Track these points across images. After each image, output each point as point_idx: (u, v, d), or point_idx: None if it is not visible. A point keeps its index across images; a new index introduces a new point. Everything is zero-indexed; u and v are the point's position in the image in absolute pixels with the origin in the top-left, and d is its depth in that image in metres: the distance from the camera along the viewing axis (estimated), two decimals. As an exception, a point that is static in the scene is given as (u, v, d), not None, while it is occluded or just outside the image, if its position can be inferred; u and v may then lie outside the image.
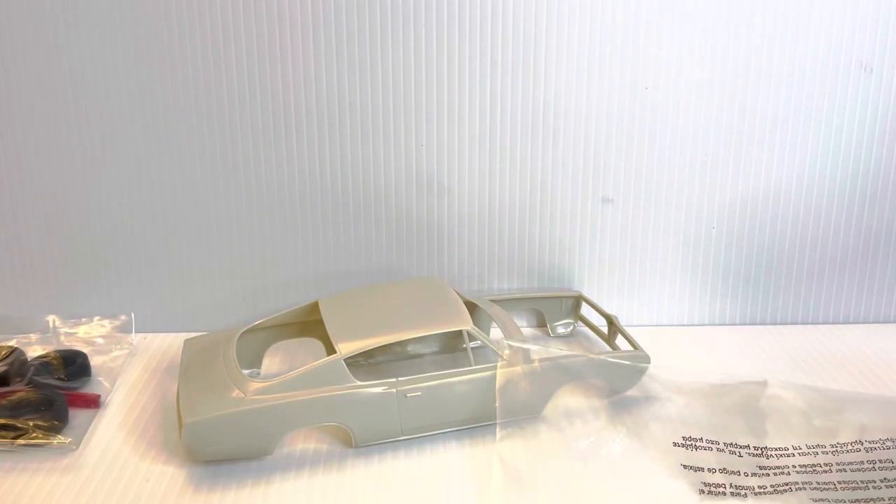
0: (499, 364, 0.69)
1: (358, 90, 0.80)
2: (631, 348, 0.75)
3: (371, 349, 0.68)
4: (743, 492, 0.62)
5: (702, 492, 0.62)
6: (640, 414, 0.71)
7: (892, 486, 0.62)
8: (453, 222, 0.84)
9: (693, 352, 0.82)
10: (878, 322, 0.88)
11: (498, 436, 0.68)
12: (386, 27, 0.78)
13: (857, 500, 0.61)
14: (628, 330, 0.78)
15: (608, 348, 0.80)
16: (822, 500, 0.61)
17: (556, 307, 0.86)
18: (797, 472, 0.64)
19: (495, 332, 0.83)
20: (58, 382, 0.74)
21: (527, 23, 0.79)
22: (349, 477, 0.65)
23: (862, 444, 0.67)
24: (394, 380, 0.67)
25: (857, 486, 0.62)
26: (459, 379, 0.68)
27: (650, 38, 0.79)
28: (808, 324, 0.88)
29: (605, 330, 0.82)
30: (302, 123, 0.81)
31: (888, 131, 0.83)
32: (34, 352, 0.79)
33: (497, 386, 0.69)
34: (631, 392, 0.74)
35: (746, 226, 0.85)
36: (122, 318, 0.84)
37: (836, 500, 0.61)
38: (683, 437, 0.68)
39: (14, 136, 0.80)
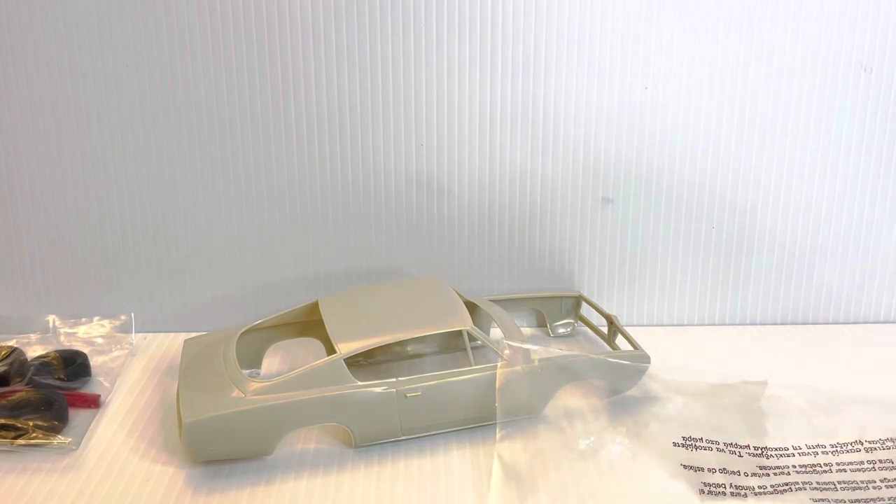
0: (499, 364, 0.69)
1: (358, 90, 0.80)
2: (631, 348, 0.75)
3: (371, 349, 0.68)
4: (743, 492, 0.62)
5: (702, 492, 0.62)
6: (640, 414, 0.71)
7: (892, 486, 0.62)
8: (453, 222, 0.84)
9: (693, 352, 0.82)
10: (878, 322, 0.88)
11: (498, 436, 0.68)
12: (386, 26, 0.78)
13: (857, 500, 0.61)
14: (628, 330, 0.78)
15: (608, 348, 0.80)
16: (822, 500, 0.61)
17: (556, 307, 0.86)
18: (797, 472, 0.64)
19: (495, 332, 0.83)
20: (58, 382, 0.74)
21: (527, 23, 0.79)
22: (349, 477, 0.65)
23: (862, 444, 0.67)
24: (394, 380, 0.67)
25: (857, 486, 0.62)
26: (459, 379, 0.68)
27: (650, 38, 0.79)
28: (808, 324, 0.88)
29: (605, 330, 0.82)
30: (302, 123, 0.81)
31: (888, 131, 0.83)
32: (34, 352, 0.79)
33: (497, 386, 0.69)
34: (631, 392, 0.74)
35: (746, 226, 0.85)
36: (122, 318, 0.84)
37: (836, 500, 0.61)
38: (683, 437, 0.68)
39: (14, 136, 0.80)
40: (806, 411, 0.71)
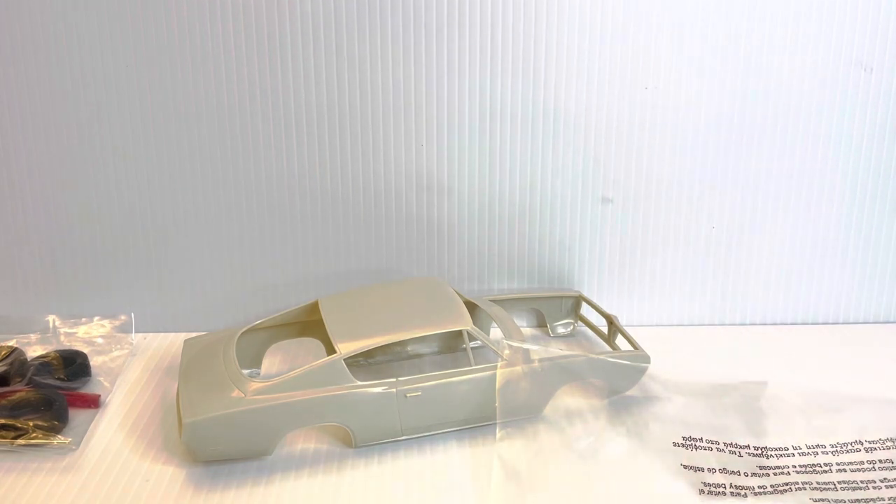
0: (499, 364, 0.69)
1: (358, 90, 0.80)
2: (631, 348, 0.75)
3: (371, 349, 0.68)
4: (743, 492, 0.62)
5: (702, 492, 0.62)
6: (640, 414, 0.71)
7: (892, 486, 0.62)
8: (453, 222, 0.84)
9: (693, 352, 0.82)
10: (878, 322, 0.88)
11: (498, 436, 0.68)
12: (386, 27, 0.78)
13: (857, 500, 0.61)
14: (628, 330, 0.78)
15: (608, 348, 0.80)
16: (822, 500, 0.61)
17: (556, 307, 0.86)
18: (797, 472, 0.64)
19: (495, 332, 0.83)
20: (58, 382, 0.74)
21: (527, 23, 0.79)
22: (349, 477, 0.65)
23: (862, 444, 0.67)
24: (394, 380, 0.67)
25: (857, 486, 0.62)
26: (459, 379, 0.68)
27: (650, 38, 0.79)
28: (807, 324, 0.88)
29: (605, 330, 0.82)
30: (302, 124, 0.81)
31: (888, 131, 0.83)
32: (34, 352, 0.79)
33: (497, 386, 0.69)
34: (631, 392, 0.74)
35: (746, 226, 0.85)
36: (122, 318, 0.84)
37: (836, 500, 0.61)
38: (683, 437, 0.68)
39: (14, 136, 0.80)
40: (806, 411, 0.71)
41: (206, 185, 0.82)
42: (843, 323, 0.88)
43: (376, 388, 0.67)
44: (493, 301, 0.83)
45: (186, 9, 0.77)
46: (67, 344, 0.82)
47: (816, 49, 0.80)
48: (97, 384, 0.76)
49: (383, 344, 0.68)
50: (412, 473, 0.65)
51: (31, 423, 0.67)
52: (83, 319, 0.84)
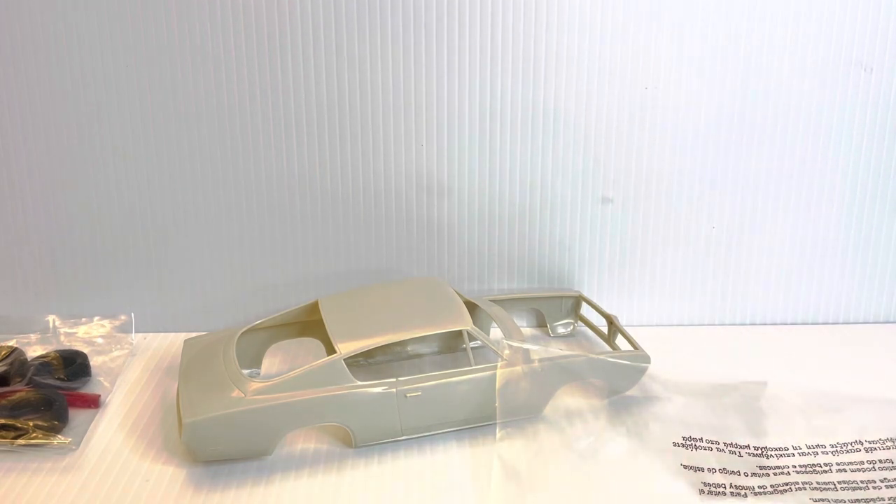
0: (499, 364, 0.69)
1: (358, 90, 0.80)
2: (631, 348, 0.75)
3: (371, 349, 0.68)
4: (743, 492, 0.62)
5: (702, 492, 0.62)
6: (640, 414, 0.71)
7: (892, 486, 0.62)
8: (453, 222, 0.84)
9: (693, 352, 0.82)
10: (878, 322, 0.88)
11: (498, 436, 0.68)
12: (386, 27, 0.78)
13: (857, 500, 0.61)
14: (628, 330, 0.78)
15: (608, 348, 0.80)
16: (822, 500, 0.61)
17: (556, 307, 0.86)
18: (797, 472, 0.64)
19: (495, 332, 0.83)
20: (58, 382, 0.74)
21: (527, 22, 0.79)
22: (349, 477, 0.65)
23: (862, 444, 0.67)
24: (394, 380, 0.67)
25: (857, 486, 0.62)
26: (459, 379, 0.68)
27: (650, 37, 0.79)
28: (807, 324, 0.88)
29: (605, 330, 0.82)
30: (302, 124, 0.81)
31: (888, 131, 0.83)
32: (34, 352, 0.79)
33: (497, 386, 0.69)
34: (631, 392, 0.74)
35: (746, 226, 0.85)
36: (122, 318, 0.84)
37: (836, 500, 0.61)
38: (683, 437, 0.68)
39: (14, 136, 0.80)
40: (806, 411, 0.71)
41: (206, 185, 0.82)
42: (843, 323, 0.88)
43: (376, 388, 0.67)
44: (493, 301, 0.83)
45: (186, 9, 0.77)
46: (67, 344, 0.82)
47: (816, 49, 0.80)
48: (97, 384, 0.76)
49: (383, 344, 0.68)
50: (412, 473, 0.65)
51: (31, 423, 0.67)
52: (83, 319, 0.84)
